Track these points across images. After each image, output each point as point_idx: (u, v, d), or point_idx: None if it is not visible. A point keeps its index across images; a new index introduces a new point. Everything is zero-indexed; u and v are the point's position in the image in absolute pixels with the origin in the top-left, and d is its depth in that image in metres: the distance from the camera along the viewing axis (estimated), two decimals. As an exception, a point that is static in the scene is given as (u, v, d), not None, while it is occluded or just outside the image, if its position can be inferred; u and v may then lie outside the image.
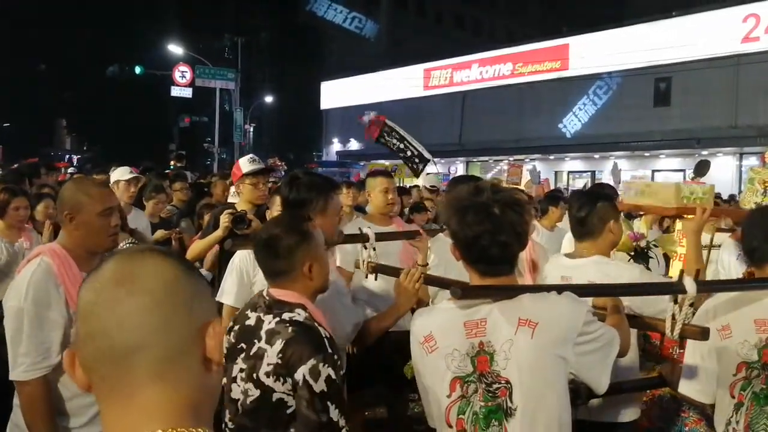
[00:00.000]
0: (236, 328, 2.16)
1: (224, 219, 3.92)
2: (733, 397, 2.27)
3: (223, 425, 2.13)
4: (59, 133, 55.60)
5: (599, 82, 23.71)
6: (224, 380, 2.11)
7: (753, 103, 19.42)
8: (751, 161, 18.60)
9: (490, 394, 1.82)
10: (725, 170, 19.25)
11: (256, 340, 2.04)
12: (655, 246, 4.38)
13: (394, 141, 8.02)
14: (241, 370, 2.06)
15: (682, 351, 4.06)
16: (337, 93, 34.65)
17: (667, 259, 4.92)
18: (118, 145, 37.04)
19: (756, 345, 2.22)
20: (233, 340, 2.14)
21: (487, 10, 44.39)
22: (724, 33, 19.81)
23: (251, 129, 36.12)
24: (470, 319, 1.86)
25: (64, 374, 2.36)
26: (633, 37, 22.13)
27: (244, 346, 2.07)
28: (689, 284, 2.13)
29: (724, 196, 10.80)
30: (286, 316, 2.04)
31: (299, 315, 2.06)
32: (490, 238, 1.81)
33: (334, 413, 1.93)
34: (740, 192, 16.11)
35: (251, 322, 2.11)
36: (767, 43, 19.24)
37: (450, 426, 1.88)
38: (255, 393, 2.01)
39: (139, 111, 42.77)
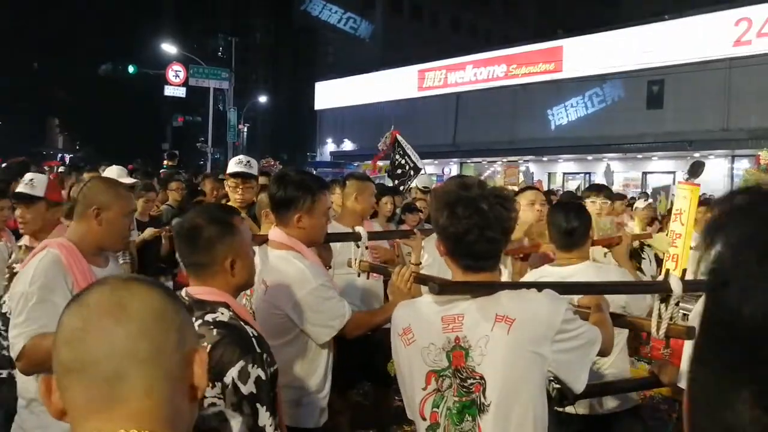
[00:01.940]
0: None
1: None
2: None
3: None
4: (51, 132, 55.41)
5: (593, 84, 23.76)
6: None
7: (745, 106, 19.50)
8: (743, 164, 18.69)
9: (464, 389, 1.82)
10: (717, 173, 19.30)
11: None
12: (648, 247, 4.41)
13: (397, 157, 8.05)
14: None
15: (669, 350, 4.08)
16: (331, 93, 34.61)
17: (659, 260, 4.95)
18: (111, 144, 36.96)
19: None
20: None
21: (483, 13, 44.44)
22: (717, 36, 19.88)
23: (245, 129, 36.05)
24: (448, 313, 1.86)
25: None
26: (626, 40, 22.20)
27: None
28: (675, 283, 2.16)
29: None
30: (209, 317, 1.91)
31: (223, 315, 1.92)
32: (479, 232, 1.79)
33: (263, 416, 1.84)
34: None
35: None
36: (759, 46, 19.30)
37: (424, 419, 1.89)
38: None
39: (132, 110, 42.69)
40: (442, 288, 1.86)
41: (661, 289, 2.20)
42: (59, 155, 43.94)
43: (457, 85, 28.51)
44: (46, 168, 12.18)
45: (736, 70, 19.88)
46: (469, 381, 1.81)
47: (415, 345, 1.90)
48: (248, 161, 4.46)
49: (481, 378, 1.79)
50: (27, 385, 2.47)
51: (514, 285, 1.95)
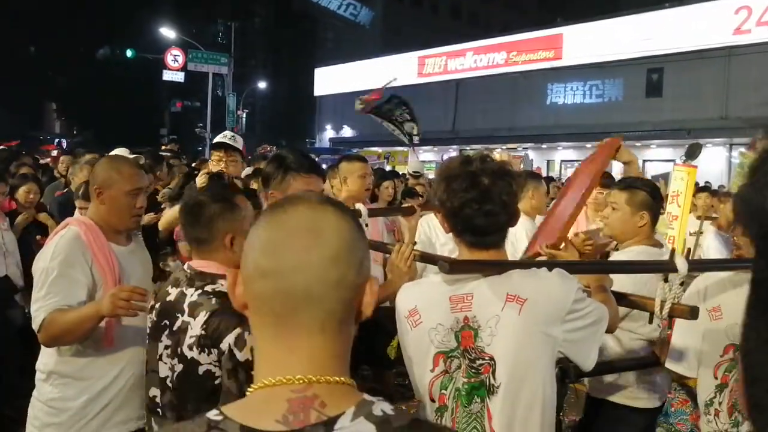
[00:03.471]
0: (157, 306, 2.09)
1: (200, 180, 3.84)
2: (716, 378, 2.29)
3: (155, 405, 2.06)
4: (49, 117, 55.12)
5: (592, 71, 23.75)
6: (149, 360, 2.11)
7: (744, 94, 19.54)
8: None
9: (473, 370, 1.79)
10: (715, 161, 19.39)
11: (179, 314, 1.98)
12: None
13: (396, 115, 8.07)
14: (167, 347, 2.00)
15: (670, 332, 4.15)
16: (330, 79, 34.50)
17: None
18: (109, 129, 36.79)
19: None
20: (155, 318, 2.08)
21: (483, 0, 44.31)
22: (716, 25, 19.88)
23: (244, 115, 35.97)
24: (456, 293, 1.83)
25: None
26: (626, 28, 22.18)
27: (167, 322, 2.02)
28: (680, 263, 2.12)
29: (714, 187, 10.90)
30: (208, 288, 1.99)
31: (222, 286, 1.98)
32: (476, 206, 1.77)
33: None
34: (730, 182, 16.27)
35: (172, 297, 2.04)
36: (759, 35, 19.31)
37: (433, 400, 1.86)
38: (179, 367, 1.95)
39: (130, 95, 42.45)
40: (453, 266, 1.82)
41: (667, 269, 2.17)
42: (56, 140, 43.79)
43: (457, 72, 28.46)
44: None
45: (736, 58, 19.91)
46: (479, 362, 1.78)
47: (422, 326, 1.86)
48: (233, 136, 4.51)
49: (491, 359, 1.76)
50: (46, 358, 2.51)
51: (525, 264, 1.90)
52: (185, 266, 2.10)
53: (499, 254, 1.85)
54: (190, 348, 1.91)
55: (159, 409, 2.04)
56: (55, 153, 17.65)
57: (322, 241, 0.91)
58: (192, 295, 1.99)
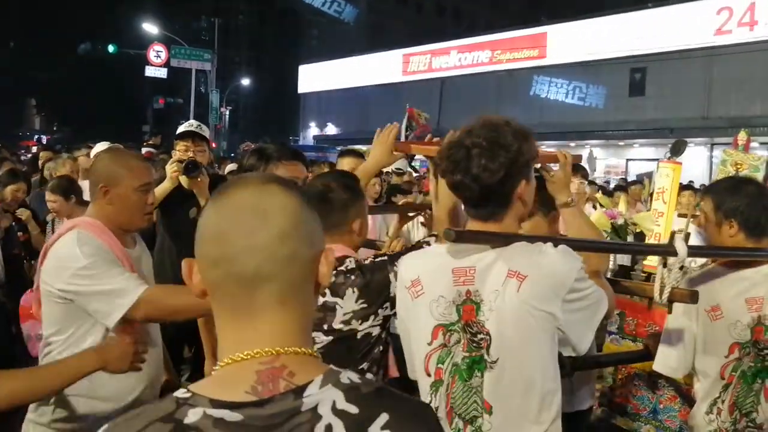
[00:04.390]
0: None
1: (172, 168, 3.61)
2: (723, 378, 2.27)
3: None
4: (28, 113, 54.54)
5: (575, 70, 23.92)
6: None
7: (725, 94, 19.78)
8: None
9: (474, 344, 1.76)
10: (697, 160, 19.60)
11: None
12: (633, 224, 4.52)
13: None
14: None
15: (655, 327, 4.16)
16: (315, 77, 34.48)
17: (642, 237, 5.04)
18: (90, 125, 36.46)
19: (749, 324, 2.21)
20: None
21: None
22: (698, 25, 20.12)
23: (227, 112, 35.77)
24: (459, 265, 1.78)
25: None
26: (610, 27, 22.40)
27: None
28: (680, 246, 2.09)
29: (696, 186, 11.01)
30: (342, 268, 2.12)
31: (352, 262, 2.14)
32: (460, 176, 1.71)
33: None
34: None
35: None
36: (740, 36, 19.56)
37: (428, 375, 1.84)
38: (326, 339, 2.11)
39: (112, 91, 42.07)
40: (459, 235, 1.76)
41: (666, 252, 2.14)
42: (36, 136, 43.31)
43: (442, 70, 28.57)
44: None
45: (717, 58, 20.15)
46: (479, 336, 1.75)
47: (424, 297, 1.83)
48: (199, 125, 4.33)
49: (488, 334, 1.73)
50: (72, 348, 2.22)
51: (532, 238, 1.82)
52: None
53: (502, 227, 1.78)
54: (346, 323, 2.09)
55: None
56: (35, 149, 17.43)
57: (268, 220, 0.91)
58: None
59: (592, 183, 6.53)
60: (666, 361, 2.41)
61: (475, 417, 1.76)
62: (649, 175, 14.28)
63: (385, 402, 0.90)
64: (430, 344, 1.82)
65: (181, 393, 0.90)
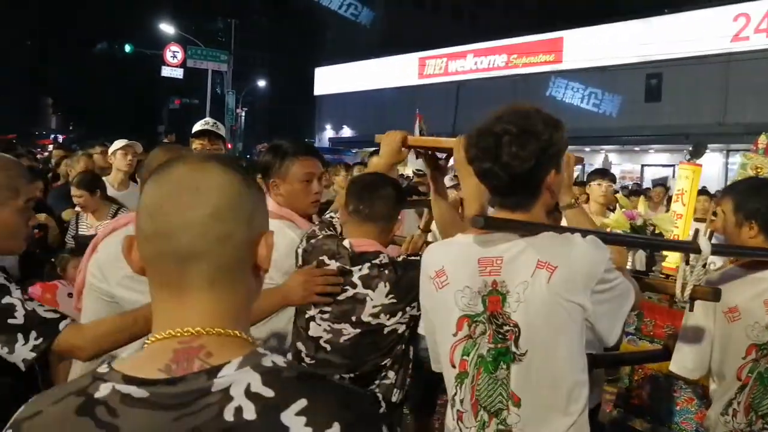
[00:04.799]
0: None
1: None
2: (740, 380, 2.26)
3: (300, 359, 2.29)
4: (45, 112, 54.92)
5: (592, 75, 23.87)
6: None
7: (741, 101, 19.68)
8: (738, 158, 18.82)
9: (500, 336, 1.72)
10: (712, 166, 19.51)
11: (348, 287, 2.19)
12: (652, 225, 4.55)
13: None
14: (323, 312, 2.22)
15: (672, 329, 4.18)
16: (331, 79, 34.53)
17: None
18: (106, 125, 36.65)
19: (767, 326, 2.19)
20: None
21: (484, 2, 44.35)
22: (715, 31, 20.02)
23: (243, 113, 35.88)
24: (486, 255, 1.74)
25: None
26: (626, 33, 22.33)
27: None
28: (704, 244, 2.03)
29: (711, 191, 10.98)
30: (376, 261, 2.19)
31: (385, 257, 2.20)
32: (488, 164, 1.69)
33: None
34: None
35: (334, 267, 2.22)
36: (757, 42, 19.47)
37: (453, 366, 1.81)
38: (353, 332, 2.18)
39: (128, 91, 42.29)
40: (488, 222, 1.73)
41: (689, 249, 2.08)
42: (52, 135, 43.60)
43: (458, 74, 28.55)
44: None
45: (734, 65, 20.05)
46: (505, 328, 1.71)
47: (449, 288, 1.79)
48: (215, 122, 4.27)
49: (515, 326, 1.70)
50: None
51: (560, 228, 1.79)
52: (343, 243, 2.26)
53: (530, 217, 1.75)
54: (375, 316, 2.16)
55: (303, 363, 2.26)
56: (51, 148, 17.52)
57: (203, 198, 0.90)
58: (361, 269, 2.19)
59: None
60: (682, 362, 2.39)
61: (501, 410, 1.74)
62: (665, 181, 14.28)
63: (308, 387, 0.86)
64: (455, 335, 1.79)
65: (102, 368, 0.90)
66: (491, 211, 1.90)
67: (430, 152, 2.65)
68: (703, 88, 20.55)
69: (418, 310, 2.11)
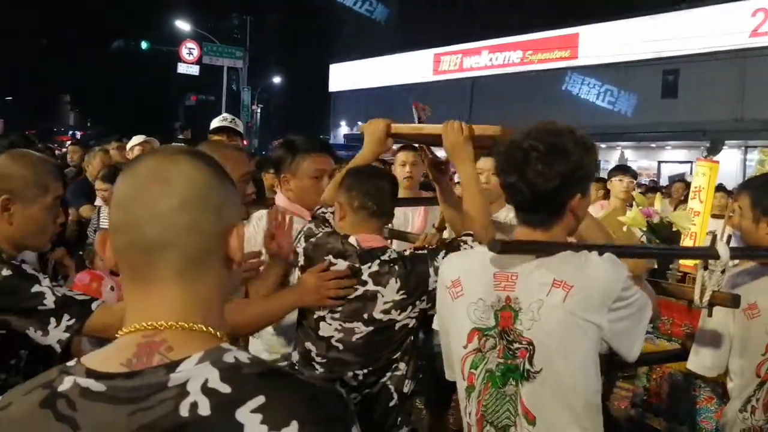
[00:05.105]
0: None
1: None
2: (759, 376, 2.24)
3: (310, 359, 2.27)
4: (62, 109, 55.32)
5: (607, 71, 23.71)
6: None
7: (759, 97, 19.45)
8: (756, 155, 18.62)
9: (510, 352, 1.72)
10: (730, 163, 19.31)
11: (359, 285, 2.16)
12: (669, 223, 4.52)
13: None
14: (333, 311, 2.20)
15: (689, 328, 4.15)
16: (346, 76, 34.53)
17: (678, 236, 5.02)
18: (122, 121, 36.86)
19: None
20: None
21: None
22: (733, 27, 19.77)
23: (258, 110, 35.95)
24: (502, 270, 1.75)
25: None
26: (642, 29, 22.13)
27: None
28: (722, 249, 2.04)
29: (729, 188, 10.87)
30: (385, 257, 2.17)
31: (393, 252, 2.20)
32: (518, 176, 1.68)
33: None
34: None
35: (341, 267, 2.19)
36: (775, 37, 19.25)
37: (463, 378, 1.82)
38: (365, 329, 2.16)
39: (145, 88, 42.49)
40: (504, 247, 1.72)
41: (708, 255, 2.07)
42: (70, 132, 43.96)
43: (473, 70, 28.46)
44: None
45: (752, 60, 19.83)
46: (515, 345, 1.71)
47: (463, 299, 1.80)
48: (233, 119, 4.32)
49: (529, 344, 1.69)
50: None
51: (576, 246, 1.77)
52: (349, 240, 2.22)
53: (550, 236, 1.74)
54: (386, 312, 2.15)
55: (313, 363, 2.25)
56: (68, 144, 17.67)
57: (170, 189, 0.91)
58: (370, 266, 2.17)
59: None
60: (701, 360, 2.39)
61: (508, 426, 1.73)
62: (681, 177, 14.20)
63: (268, 385, 0.85)
64: (465, 347, 1.80)
65: (71, 362, 0.91)
66: (510, 217, 1.90)
67: (430, 155, 2.66)
68: (721, 83, 20.33)
69: (428, 303, 2.15)
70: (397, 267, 2.15)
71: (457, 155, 2.40)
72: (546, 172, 1.64)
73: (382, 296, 2.13)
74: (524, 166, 1.66)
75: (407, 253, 2.21)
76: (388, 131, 2.53)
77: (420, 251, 2.23)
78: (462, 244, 2.21)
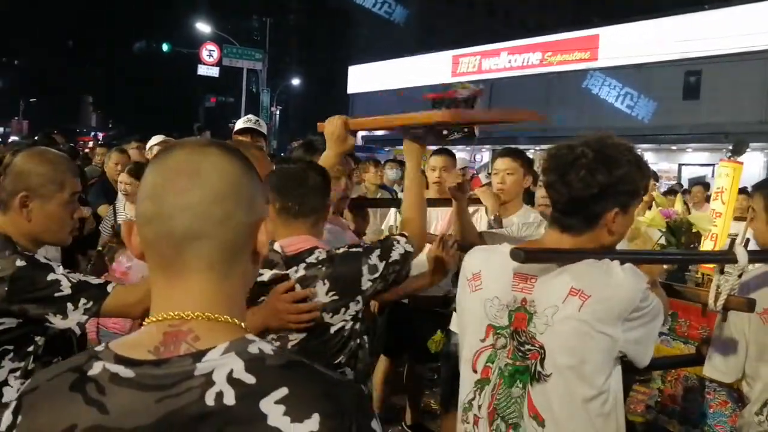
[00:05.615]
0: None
1: None
2: None
3: None
4: (85, 109, 55.96)
5: (628, 72, 23.50)
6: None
7: (784, 98, 19.20)
8: (780, 158, 18.41)
9: (520, 353, 1.73)
10: (753, 166, 19.07)
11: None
12: (689, 224, 4.47)
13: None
14: None
15: (707, 330, 4.11)
16: (364, 77, 34.58)
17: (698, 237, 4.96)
18: (143, 122, 37.22)
19: None
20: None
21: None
22: (757, 27, 19.50)
23: (277, 111, 36.14)
24: (522, 271, 1.75)
25: None
26: (664, 29, 21.91)
27: (265, 300, 2.07)
28: (740, 253, 2.01)
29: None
30: (311, 259, 2.07)
31: (322, 253, 2.08)
32: (561, 174, 1.70)
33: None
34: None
35: (266, 278, 2.07)
36: (800, 39, 18.96)
37: (475, 371, 1.82)
38: (298, 336, 2.06)
39: (165, 89, 42.87)
40: (528, 256, 1.71)
41: (726, 259, 2.06)
42: (92, 132, 44.49)
43: (491, 72, 28.33)
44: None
45: (776, 61, 19.57)
46: (527, 346, 1.72)
47: (481, 293, 1.82)
48: (257, 120, 4.34)
49: (541, 347, 1.69)
50: None
51: (598, 254, 1.74)
52: (273, 247, 2.10)
53: (576, 243, 1.75)
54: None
55: None
56: (90, 145, 17.89)
57: (202, 181, 0.91)
58: (297, 271, 2.07)
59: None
60: (717, 365, 2.38)
61: (517, 424, 1.75)
62: (702, 180, 14.03)
63: (291, 376, 0.87)
64: (482, 341, 1.81)
65: (100, 347, 0.93)
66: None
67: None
68: (745, 85, 20.07)
69: (364, 303, 2.10)
70: (324, 268, 2.06)
71: (409, 153, 2.44)
72: (587, 178, 1.65)
73: (312, 300, 2.04)
74: (569, 168, 1.68)
75: (340, 251, 2.12)
76: (347, 127, 2.53)
77: (354, 248, 2.15)
78: (395, 242, 2.17)
